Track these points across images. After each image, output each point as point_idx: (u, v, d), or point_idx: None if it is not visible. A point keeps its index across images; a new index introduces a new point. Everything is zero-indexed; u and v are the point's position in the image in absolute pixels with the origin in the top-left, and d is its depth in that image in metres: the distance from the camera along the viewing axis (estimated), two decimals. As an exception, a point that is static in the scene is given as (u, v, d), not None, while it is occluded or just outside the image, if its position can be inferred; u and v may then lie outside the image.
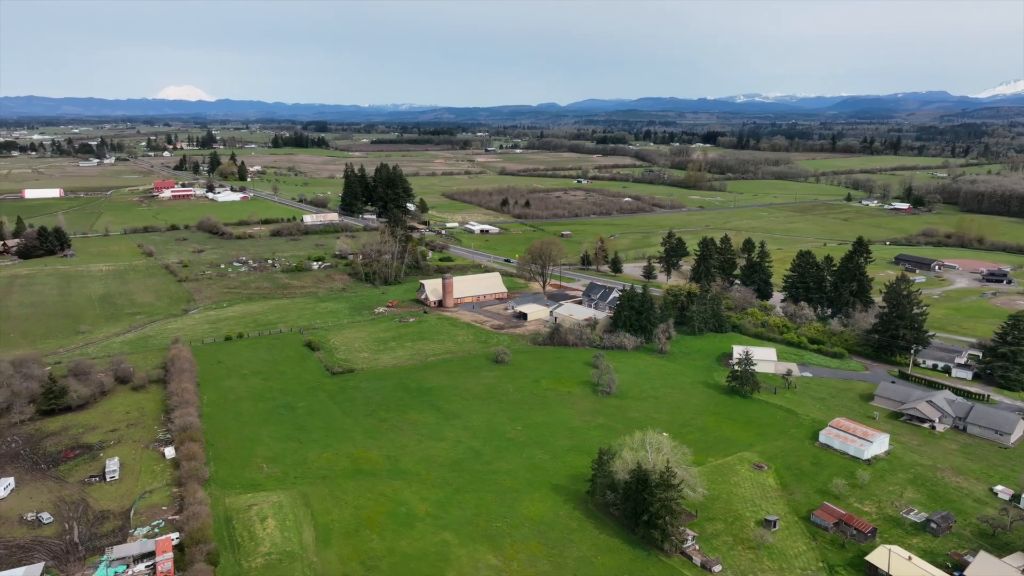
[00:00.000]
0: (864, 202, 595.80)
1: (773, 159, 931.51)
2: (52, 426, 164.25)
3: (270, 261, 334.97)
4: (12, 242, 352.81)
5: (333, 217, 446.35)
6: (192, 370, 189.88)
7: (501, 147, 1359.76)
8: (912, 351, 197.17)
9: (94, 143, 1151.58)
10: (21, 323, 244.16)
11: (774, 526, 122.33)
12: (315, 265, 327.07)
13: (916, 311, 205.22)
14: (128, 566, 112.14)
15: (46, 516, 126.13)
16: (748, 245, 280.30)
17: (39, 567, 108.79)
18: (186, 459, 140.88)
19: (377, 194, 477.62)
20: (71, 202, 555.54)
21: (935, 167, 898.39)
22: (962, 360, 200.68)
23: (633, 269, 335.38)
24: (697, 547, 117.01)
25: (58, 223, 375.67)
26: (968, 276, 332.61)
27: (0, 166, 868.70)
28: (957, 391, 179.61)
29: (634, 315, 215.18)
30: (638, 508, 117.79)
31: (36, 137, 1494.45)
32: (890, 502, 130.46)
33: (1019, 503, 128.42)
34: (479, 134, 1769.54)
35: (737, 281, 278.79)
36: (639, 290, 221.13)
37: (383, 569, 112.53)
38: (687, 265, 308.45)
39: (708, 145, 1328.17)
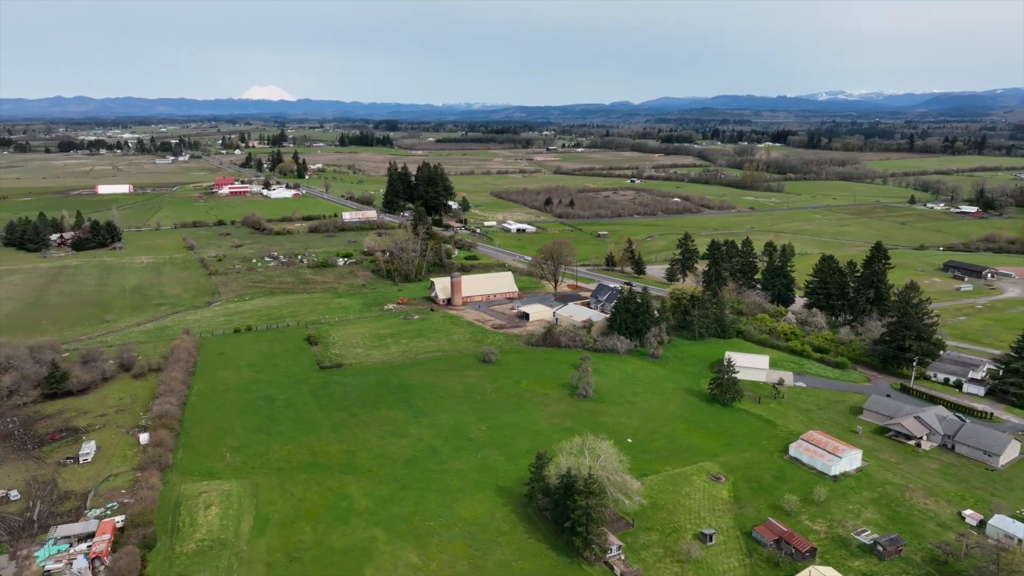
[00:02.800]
0: (929, 205, 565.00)
1: (839, 159, 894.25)
2: (50, 409, 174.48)
3: (300, 257, 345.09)
4: (68, 235, 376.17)
5: (371, 215, 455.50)
6: (189, 360, 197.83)
7: (564, 146, 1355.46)
8: (914, 363, 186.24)
9: (174, 141, 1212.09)
10: (56, 311, 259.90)
11: (710, 540, 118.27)
12: (341, 261, 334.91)
13: (927, 320, 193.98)
14: (71, 544, 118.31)
15: (14, 494, 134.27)
16: (770, 248, 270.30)
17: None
18: (154, 445, 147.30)
19: (418, 192, 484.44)
20: (138, 197, 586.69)
21: (1020, 168, 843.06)
22: (979, 375, 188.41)
23: (658, 271, 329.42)
24: (622, 557, 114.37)
25: (111, 217, 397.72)
26: (1023, 285, 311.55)
27: (86, 163, 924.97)
28: (958, 407, 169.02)
29: (630, 318, 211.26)
30: (564, 514, 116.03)
31: (127, 136, 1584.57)
32: (843, 521, 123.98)
33: (984, 529, 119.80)
34: (545, 133, 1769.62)
35: (758, 286, 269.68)
36: (637, 292, 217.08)
37: (305, 561, 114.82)
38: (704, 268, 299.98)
39: (778, 144, 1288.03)
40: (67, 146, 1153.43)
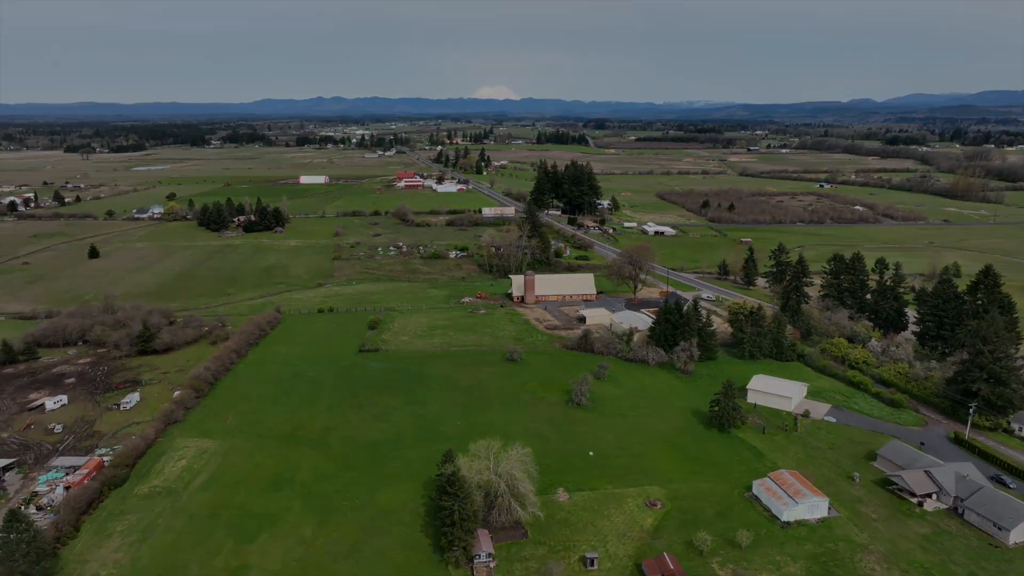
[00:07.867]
0: None
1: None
2: (134, 363, 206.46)
3: (421, 248, 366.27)
4: (242, 218, 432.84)
5: (509, 211, 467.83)
6: (256, 333, 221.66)
7: (770, 147, 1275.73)
8: (971, 410, 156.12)
9: (389, 137, 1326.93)
10: (196, 282, 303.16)
11: (592, 564, 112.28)
12: (452, 254, 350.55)
13: (1009, 362, 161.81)
14: (67, 474, 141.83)
15: (59, 427, 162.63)
16: (880, 266, 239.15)
17: (6, 461, 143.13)
18: (175, 403, 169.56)
19: (563, 190, 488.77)
20: (329, 187, 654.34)
21: None
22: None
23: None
24: (491, 566, 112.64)
25: (280, 204, 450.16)
26: None
27: (309, 156, 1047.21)
28: (1013, 469, 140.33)
29: (669, 329, 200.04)
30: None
31: (359, 131, 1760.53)
32: (753, 572, 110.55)
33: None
34: (757, 132, 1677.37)
35: (866, 308, 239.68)
36: (684, 302, 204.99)
37: (221, 518, 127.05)
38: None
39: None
40: (302, 141, 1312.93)
